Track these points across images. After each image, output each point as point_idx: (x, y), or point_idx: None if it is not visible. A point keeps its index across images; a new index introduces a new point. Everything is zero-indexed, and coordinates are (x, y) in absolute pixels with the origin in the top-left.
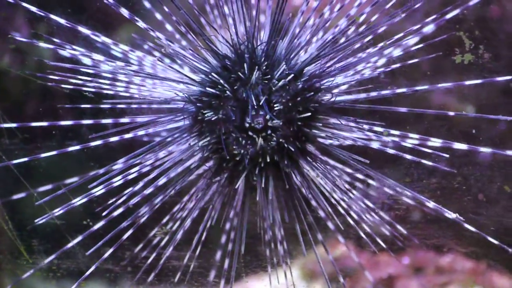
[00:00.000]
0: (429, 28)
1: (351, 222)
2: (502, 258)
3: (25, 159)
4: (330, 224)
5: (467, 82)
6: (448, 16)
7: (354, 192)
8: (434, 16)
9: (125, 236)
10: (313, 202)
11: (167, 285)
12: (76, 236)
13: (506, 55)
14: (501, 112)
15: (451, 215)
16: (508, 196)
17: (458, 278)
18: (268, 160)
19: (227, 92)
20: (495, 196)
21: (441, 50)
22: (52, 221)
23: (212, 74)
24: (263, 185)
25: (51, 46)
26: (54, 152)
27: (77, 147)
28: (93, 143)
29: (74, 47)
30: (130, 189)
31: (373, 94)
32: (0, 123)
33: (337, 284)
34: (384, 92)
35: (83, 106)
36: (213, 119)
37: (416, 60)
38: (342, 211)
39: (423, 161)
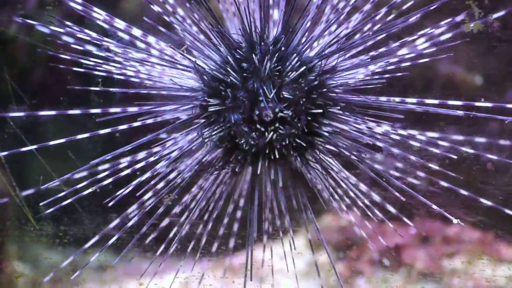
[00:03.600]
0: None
1: (356, 193)
2: (510, 229)
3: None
4: (336, 195)
5: None
6: None
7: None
8: None
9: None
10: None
11: (173, 252)
12: (83, 203)
13: None
14: (509, 82)
15: (453, 220)
16: None
17: (466, 248)
18: (277, 154)
19: (237, 82)
20: (504, 165)
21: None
22: (59, 188)
23: (224, 63)
24: (272, 177)
25: (61, 30)
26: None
27: (86, 135)
28: (102, 131)
29: (85, 30)
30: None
31: (381, 63)
32: (8, 89)
33: (344, 253)
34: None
35: (92, 88)
36: (221, 109)
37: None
38: (348, 186)
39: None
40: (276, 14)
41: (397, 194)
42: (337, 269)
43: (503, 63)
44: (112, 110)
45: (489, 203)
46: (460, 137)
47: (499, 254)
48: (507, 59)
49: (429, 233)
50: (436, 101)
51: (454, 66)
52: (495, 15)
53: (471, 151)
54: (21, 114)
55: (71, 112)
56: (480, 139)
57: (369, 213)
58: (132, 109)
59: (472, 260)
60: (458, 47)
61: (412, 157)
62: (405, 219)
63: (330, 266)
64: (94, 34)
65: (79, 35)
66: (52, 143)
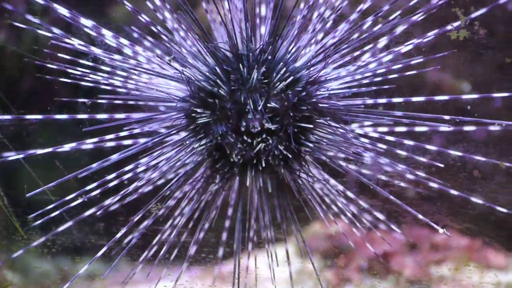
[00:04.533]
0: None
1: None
2: (497, 235)
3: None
4: (326, 199)
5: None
6: None
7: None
8: None
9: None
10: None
11: (162, 261)
12: (71, 212)
13: (502, 31)
14: (496, 88)
15: (439, 230)
16: (503, 173)
17: (453, 255)
18: (264, 165)
19: (224, 94)
20: (490, 173)
21: (436, 26)
22: (47, 197)
23: (211, 74)
24: (260, 184)
25: (49, 34)
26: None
27: (73, 144)
28: (85, 146)
29: (73, 39)
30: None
31: (368, 74)
32: None
33: (331, 260)
34: (379, 71)
35: (80, 100)
36: (208, 120)
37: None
38: (335, 195)
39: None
40: (262, 25)
41: (388, 195)
42: (326, 276)
43: (489, 70)
44: (99, 116)
45: (479, 201)
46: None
47: (487, 261)
48: (494, 65)
49: (416, 240)
50: (422, 98)
51: (441, 73)
52: (475, 14)
53: (459, 153)
54: (7, 117)
55: (58, 116)
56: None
57: (356, 222)
58: (119, 116)
59: (460, 267)
60: (445, 55)
61: (399, 166)
62: (393, 226)
63: (318, 273)
64: (80, 42)
65: (67, 41)
66: (39, 152)
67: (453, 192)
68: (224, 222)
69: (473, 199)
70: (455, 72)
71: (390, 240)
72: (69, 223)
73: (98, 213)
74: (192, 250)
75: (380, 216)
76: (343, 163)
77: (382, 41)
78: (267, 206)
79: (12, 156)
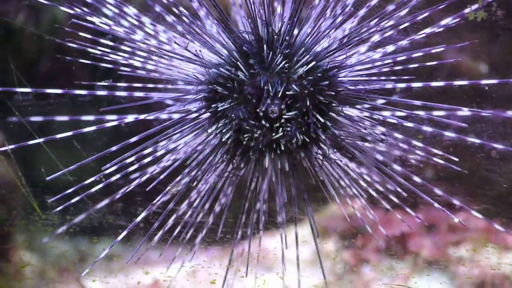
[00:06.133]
0: None
1: (362, 183)
2: None
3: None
4: (342, 182)
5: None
6: None
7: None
8: None
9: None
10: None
11: (179, 241)
12: (90, 194)
13: None
14: None
15: (455, 219)
16: None
17: (471, 236)
18: (282, 148)
19: (244, 78)
20: (508, 153)
21: (454, 7)
22: (65, 177)
23: (231, 58)
24: (279, 167)
25: (70, 11)
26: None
27: (93, 127)
28: (108, 124)
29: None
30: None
31: (388, 61)
32: (14, 80)
33: (349, 241)
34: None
35: (99, 83)
36: (227, 105)
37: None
38: (355, 175)
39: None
40: (282, 8)
41: (401, 185)
42: (343, 257)
43: (507, 51)
44: (118, 93)
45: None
46: (464, 125)
47: (504, 242)
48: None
49: (434, 221)
50: (441, 83)
51: (459, 54)
52: None
53: (477, 140)
54: (28, 90)
55: (78, 92)
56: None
57: (375, 201)
58: (138, 94)
59: (477, 248)
60: (463, 36)
61: (417, 143)
62: (408, 210)
63: (335, 254)
64: (102, 20)
65: (88, 18)
66: (58, 136)
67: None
68: (242, 203)
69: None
70: (472, 53)
71: (409, 221)
72: (88, 211)
73: (117, 197)
74: (214, 232)
75: (396, 200)
76: (358, 151)
77: (401, 25)
78: (284, 187)
79: (32, 141)
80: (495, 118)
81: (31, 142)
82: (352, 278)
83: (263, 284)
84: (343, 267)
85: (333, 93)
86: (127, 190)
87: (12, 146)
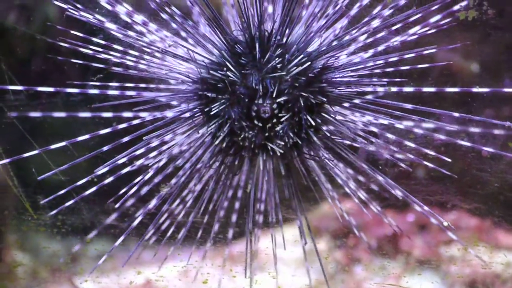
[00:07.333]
0: None
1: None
2: (507, 215)
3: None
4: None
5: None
6: None
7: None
8: None
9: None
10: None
11: (171, 241)
12: (81, 192)
13: (511, 11)
14: (504, 69)
15: (443, 222)
16: None
17: (463, 235)
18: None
19: (236, 78)
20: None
21: (445, 6)
22: (56, 177)
23: (222, 58)
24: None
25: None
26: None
27: (86, 136)
28: (102, 132)
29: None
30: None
31: (380, 62)
32: (5, 80)
33: (340, 241)
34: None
35: (91, 83)
36: (219, 105)
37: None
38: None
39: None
40: (273, 7)
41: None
42: (335, 256)
43: (498, 50)
44: (110, 92)
45: None
46: (455, 127)
47: (496, 241)
48: (503, 46)
49: (426, 221)
50: (433, 89)
51: (451, 54)
52: None
53: (468, 144)
54: (19, 88)
55: (69, 90)
56: (475, 129)
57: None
58: (130, 93)
59: (469, 247)
60: (454, 36)
61: (409, 143)
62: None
63: (327, 254)
64: (96, 16)
65: (82, 14)
66: (53, 146)
67: (444, 223)
68: (234, 203)
69: None
70: (464, 52)
71: (399, 220)
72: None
73: (112, 203)
74: (207, 232)
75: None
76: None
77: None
78: (276, 187)
79: (29, 153)
80: (485, 117)
81: (26, 154)
82: (344, 278)
83: (255, 283)
84: (335, 267)
85: (325, 93)
86: (128, 194)
87: (7, 160)
